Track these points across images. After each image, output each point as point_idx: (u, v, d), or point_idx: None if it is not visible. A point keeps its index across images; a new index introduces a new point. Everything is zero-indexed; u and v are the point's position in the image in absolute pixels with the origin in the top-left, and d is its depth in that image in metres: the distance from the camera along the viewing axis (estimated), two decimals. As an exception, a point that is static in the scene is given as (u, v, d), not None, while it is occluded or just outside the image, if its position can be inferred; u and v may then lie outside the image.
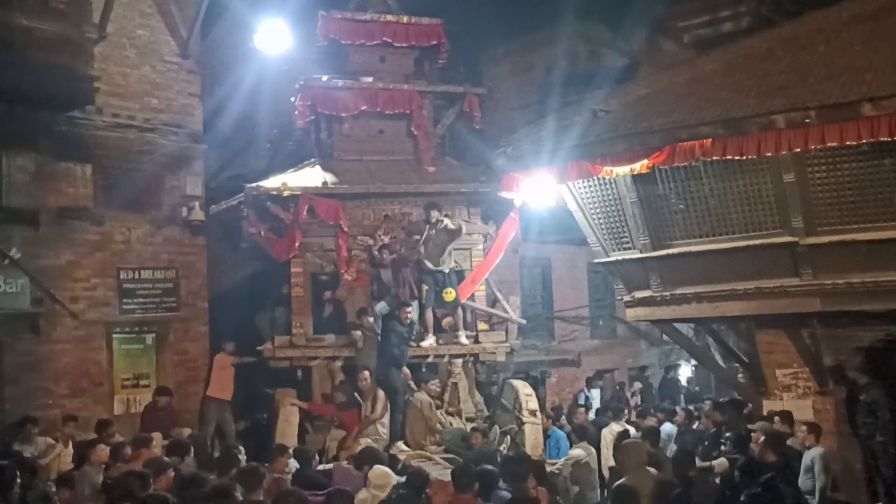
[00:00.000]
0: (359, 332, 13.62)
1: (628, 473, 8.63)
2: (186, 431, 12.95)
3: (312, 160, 15.08)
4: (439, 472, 10.90)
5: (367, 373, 12.89)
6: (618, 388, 20.49)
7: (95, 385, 13.80)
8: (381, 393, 12.71)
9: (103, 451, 10.00)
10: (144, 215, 14.73)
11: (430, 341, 14.08)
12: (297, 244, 13.96)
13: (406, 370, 13.48)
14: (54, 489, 9.73)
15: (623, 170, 11.17)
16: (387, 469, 9.14)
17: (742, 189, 11.30)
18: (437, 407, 13.63)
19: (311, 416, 13.20)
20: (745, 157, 10.49)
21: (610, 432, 13.32)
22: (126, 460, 9.49)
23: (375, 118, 15.36)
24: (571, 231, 14.91)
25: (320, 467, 10.65)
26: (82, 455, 10.34)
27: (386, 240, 14.20)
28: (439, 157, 15.66)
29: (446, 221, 13.94)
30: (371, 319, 13.57)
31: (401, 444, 12.62)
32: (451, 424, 13.44)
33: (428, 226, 14.01)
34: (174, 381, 14.47)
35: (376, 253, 14.06)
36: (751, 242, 11.35)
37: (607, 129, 11.48)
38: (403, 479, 8.82)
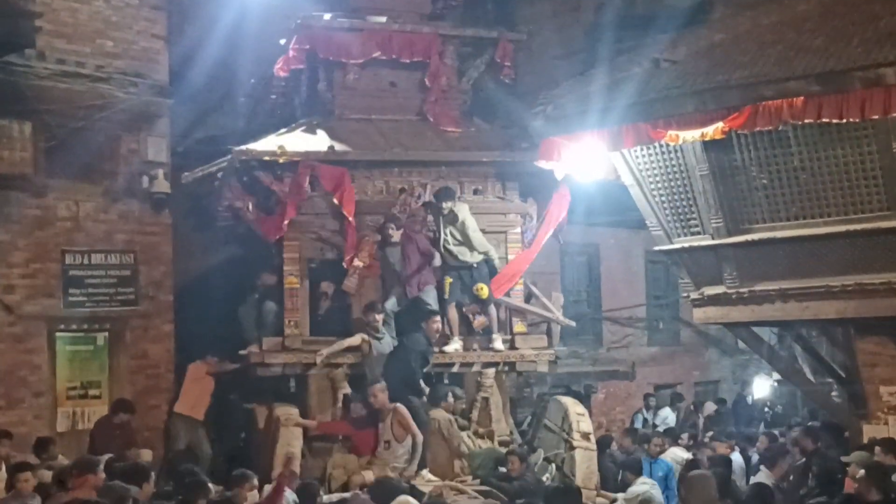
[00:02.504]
0: (360, 337, 13.60)
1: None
2: (146, 453, 13.05)
3: (309, 119, 15.06)
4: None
5: (380, 386, 12.87)
6: (692, 408, 20.46)
7: (34, 395, 13.91)
8: (404, 411, 12.74)
9: (28, 479, 10.06)
10: (96, 185, 14.81)
11: (455, 345, 13.96)
12: (286, 220, 13.91)
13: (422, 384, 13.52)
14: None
15: (692, 135, 11.16)
16: (412, 499, 9.24)
17: (841, 161, 11.27)
18: (463, 428, 13.64)
19: (307, 438, 13.21)
20: (845, 121, 10.45)
21: (673, 459, 13.35)
22: (68, 488, 9.55)
23: (386, 68, 15.31)
24: (625, 211, 14.89)
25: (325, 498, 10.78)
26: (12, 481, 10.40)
27: (401, 217, 14.12)
28: (465, 118, 15.60)
29: (463, 216, 13.87)
30: (380, 317, 13.55)
31: (426, 474, 12.64)
32: (479, 448, 13.49)
33: (441, 218, 13.96)
34: (131, 392, 14.57)
35: (390, 229, 13.99)
36: (851, 227, 11.32)
37: (672, 84, 11.46)
38: None
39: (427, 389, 13.61)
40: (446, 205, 13.87)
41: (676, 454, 13.70)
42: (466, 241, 13.87)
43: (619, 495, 12.26)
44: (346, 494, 11.46)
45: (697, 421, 19.60)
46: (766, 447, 13.85)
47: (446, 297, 14.02)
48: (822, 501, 9.99)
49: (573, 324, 15.42)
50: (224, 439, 15.48)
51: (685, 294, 13.75)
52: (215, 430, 15.28)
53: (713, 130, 10.96)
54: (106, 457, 11.52)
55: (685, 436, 16.05)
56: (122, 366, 14.84)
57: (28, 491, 9.98)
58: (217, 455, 14.68)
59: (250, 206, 14.25)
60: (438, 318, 13.53)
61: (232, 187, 14.33)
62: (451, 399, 13.61)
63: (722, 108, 10.88)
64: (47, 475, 11.42)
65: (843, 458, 11.44)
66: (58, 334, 14.39)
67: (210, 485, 9.46)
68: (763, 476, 11.57)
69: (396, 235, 13.93)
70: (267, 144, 14.14)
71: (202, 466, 13.55)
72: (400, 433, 12.77)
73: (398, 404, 12.80)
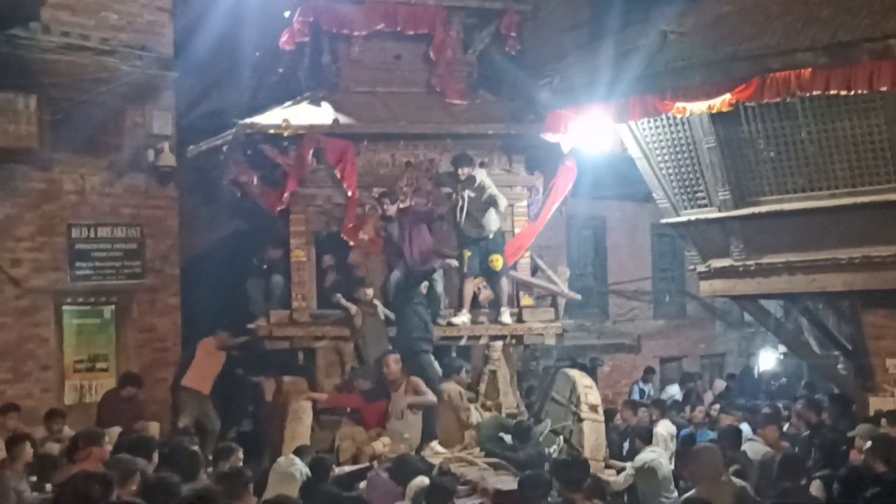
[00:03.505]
0: (354, 308, 13.63)
1: (699, 484, 8.68)
2: (153, 426, 13.12)
3: (314, 93, 15.05)
4: (483, 477, 11.08)
5: (394, 357, 12.93)
6: (698, 380, 20.42)
7: (42, 368, 13.97)
8: (417, 380, 12.80)
9: (28, 450, 10.15)
10: (101, 159, 14.80)
11: (463, 318, 14.03)
12: (287, 192, 13.91)
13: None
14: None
15: (699, 107, 11.18)
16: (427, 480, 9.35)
17: (849, 133, 11.27)
18: (471, 401, 13.68)
19: (316, 410, 13.26)
20: (853, 93, 10.43)
21: (667, 431, 13.38)
22: (74, 461, 9.65)
23: (391, 40, 15.27)
24: (632, 184, 14.88)
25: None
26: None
27: (408, 191, 14.15)
28: (470, 90, 15.58)
29: (481, 178, 13.86)
30: (370, 291, 13.61)
31: (435, 445, 12.72)
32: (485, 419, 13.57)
33: (459, 185, 13.96)
34: (138, 365, 14.62)
35: (385, 204, 13.99)
36: (858, 200, 11.34)
37: (680, 56, 11.46)
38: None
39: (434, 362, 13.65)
40: (464, 170, 13.87)
41: (670, 427, 13.70)
42: (486, 204, 13.86)
43: (627, 464, 12.32)
44: (357, 466, 11.55)
45: (702, 395, 19.60)
46: (756, 415, 13.85)
47: (465, 270, 14.06)
48: (826, 473, 10.00)
49: (578, 297, 15.44)
50: (231, 412, 15.54)
51: (692, 267, 13.77)
52: (222, 404, 15.35)
53: (720, 102, 10.99)
54: (115, 430, 11.65)
55: (688, 409, 16.04)
56: (128, 339, 14.88)
57: (24, 463, 10.09)
58: (227, 428, 14.75)
59: (255, 180, 14.24)
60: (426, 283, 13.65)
61: (237, 161, 14.34)
62: (464, 373, 13.67)
63: (729, 80, 10.89)
64: (55, 447, 11.55)
65: (850, 433, 11.47)
66: (64, 308, 14.42)
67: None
68: (753, 445, 11.53)
69: (392, 210, 13.95)
70: (272, 118, 14.15)
71: (210, 440, 13.67)
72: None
73: (411, 375, 12.86)
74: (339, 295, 13.78)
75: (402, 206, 14.06)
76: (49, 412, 12.54)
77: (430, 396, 12.81)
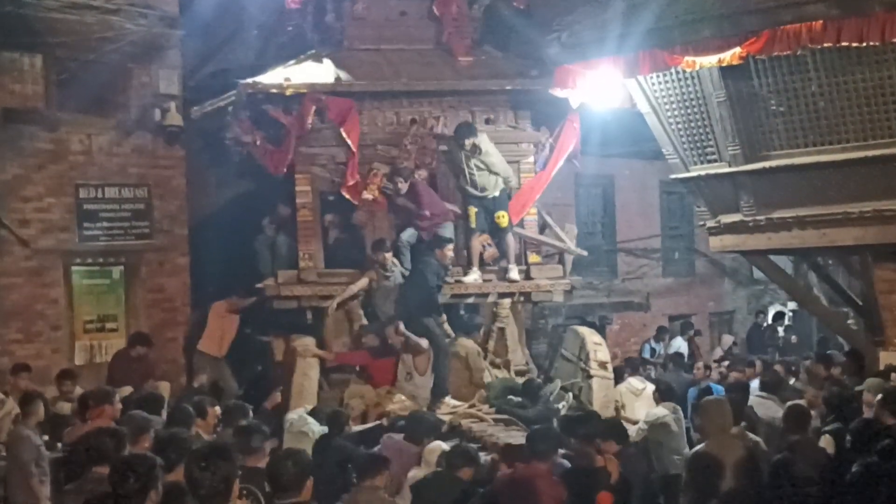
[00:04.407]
0: (371, 272, 13.62)
1: (709, 439, 8.69)
2: (164, 386, 13.16)
3: (317, 51, 14.97)
4: (492, 433, 11.13)
5: (397, 326, 12.94)
6: (694, 333, 20.45)
7: (52, 328, 14.06)
8: (422, 352, 12.86)
9: (40, 408, 10.22)
10: (108, 119, 14.81)
11: (474, 276, 13.94)
12: (290, 154, 13.86)
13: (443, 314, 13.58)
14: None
15: (709, 60, 11.12)
16: (444, 445, 9.38)
17: (860, 86, 11.20)
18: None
19: (325, 369, 13.30)
20: (865, 45, 10.36)
21: (628, 389, 13.41)
22: (85, 419, 9.71)
23: (396, -5, 15.21)
24: (641, 140, 14.82)
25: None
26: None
27: (412, 149, 14.07)
28: (476, 46, 15.47)
29: (486, 147, 13.79)
30: (388, 255, 13.55)
31: (449, 400, 12.76)
32: (496, 378, 13.58)
33: (463, 154, 13.86)
34: (147, 325, 14.70)
35: (389, 184, 13.90)
36: (869, 153, 11.28)
37: (690, 9, 11.35)
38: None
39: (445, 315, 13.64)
40: (468, 141, 13.77)
41: (632, 384, 13.70)
42: (490, 168, 13.81)
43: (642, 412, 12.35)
44: (368, 425, 11.61)
45: (701, 349, 19.65)
46: (768, 370, 13.81)
47: (473, 226, 14.00)
48: (838, 427, 10.02)
49: (585, 253, 15.38)
50: (241, 372, 15.59)
51: (701, 223, 13.74)
52: (232, 364, 15.40)
53: (730, 56, 10.94)
54: (126, 389, 11.71)
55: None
56: (138, 299, 14.95)
57: (36, 421, 10.16)
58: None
59: (258, 141, 14.19)
60: (451, 245, 13.50)
61: (240, 121, 14.27)
62: (482, 332, 13.67)
63: (739, 32, 10.84)
64: (66, 407, 11.62)
65: (858, 387, 11.48)
66: (73, 268, 14.49)
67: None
68: (760, 401, 11.53)
69: (404, 188, 13.81)
70: (274, 77, 14.05)
71: (227, 402, 13.74)
72: (422, 366, 12.88)
73: (421, 343, 12.88)
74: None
75: (410, 166, 14.03)
76: (60, 372, 12.61)
77: (423, 343, 12.90)
